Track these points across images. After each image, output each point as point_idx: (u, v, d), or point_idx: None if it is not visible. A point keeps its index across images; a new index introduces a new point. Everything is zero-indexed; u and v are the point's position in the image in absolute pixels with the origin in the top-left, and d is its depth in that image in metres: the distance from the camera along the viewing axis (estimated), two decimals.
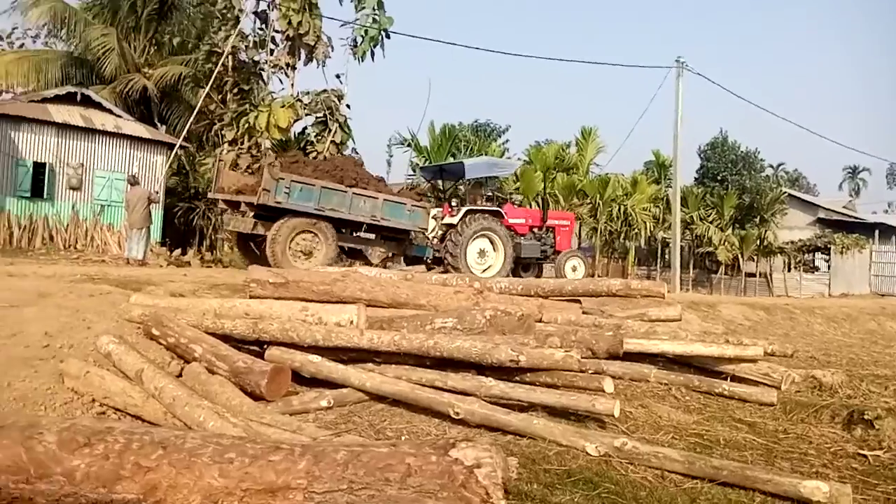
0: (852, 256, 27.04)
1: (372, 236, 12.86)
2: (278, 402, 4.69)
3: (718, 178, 32.41)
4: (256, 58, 19.37)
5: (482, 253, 13.60)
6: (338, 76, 18.70)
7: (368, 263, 12.44)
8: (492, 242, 13.63)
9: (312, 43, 18.19)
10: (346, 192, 11.84)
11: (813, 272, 27.34)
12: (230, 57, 17.94)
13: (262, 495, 2.62)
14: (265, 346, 5.43)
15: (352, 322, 5.52)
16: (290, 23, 17.85)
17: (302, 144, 18.31)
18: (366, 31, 18.18)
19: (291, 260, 11.12)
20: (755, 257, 28.77)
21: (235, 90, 18.62)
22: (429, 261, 14.03)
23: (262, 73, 19.40)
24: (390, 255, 13.10)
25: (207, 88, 17.14)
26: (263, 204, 11.22)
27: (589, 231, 25.90)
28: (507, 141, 41.54)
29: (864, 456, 4.50)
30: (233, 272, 11.78)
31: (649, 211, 26.38)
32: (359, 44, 18.32)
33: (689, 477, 3.77)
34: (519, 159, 24.96)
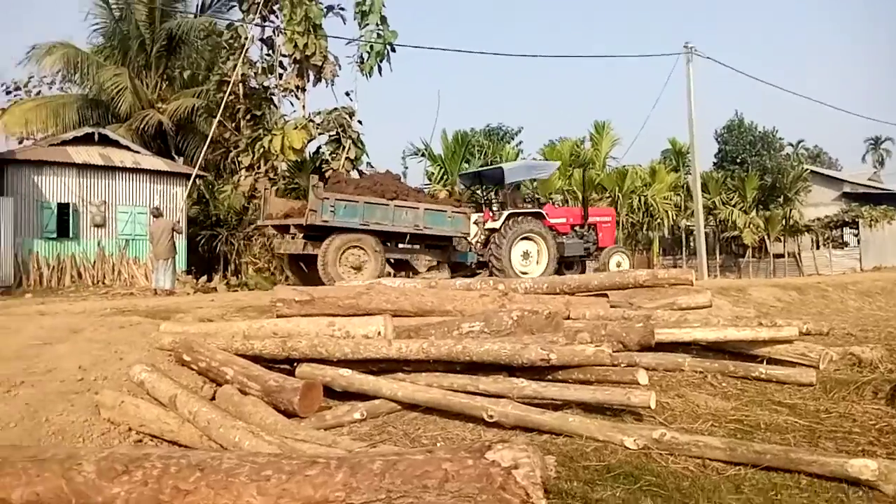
0: (882, 228, 26.53)
1: (416, 246, 13.19)
2: (312, 417, 4.70)
3: (738, 160, 32.03)
4: (266, 83, 19.73)
5: (526, 255, 13.78)
6: (347, 94, 18.95)
7: (416, 273, 12.94)
8: (535, 244, 13.83)
9: (320, 63, 18.46)
10: (388, 205, 12.21)
11: (842, 248, 26.89)
12: (240, 85, 18.27)
13: None
14: (295, 364, 5.47)
15: (379, 333, 5.54)
16: (296, 46, 18.15)
17: (318, 163, 18.53)
18: (371, 47, 18.39)
19: (343, 275, 11.41)
20: (782, 238, 28.35)
21: (248, 116, 18.94)
22: (473, 265, 14.19)
23: (273, 97, 19.73)
24: (436, 262, 13.34)
25: (219, 117, 17.45)
26: (312, 224, 11.63)
27: None
28: (520, 143, 41.50)
29: None
30: (259, 294, 11.89)
31: (670, 200, 26.15)
32: (365, 60, 18.55)
33: (732, 464, 3.69)
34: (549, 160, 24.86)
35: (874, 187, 36.04)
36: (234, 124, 19.00)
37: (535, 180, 16.85)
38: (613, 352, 5.20)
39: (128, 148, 19.09)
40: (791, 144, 49.07)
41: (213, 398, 4.97)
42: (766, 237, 27.61)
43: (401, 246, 13.02)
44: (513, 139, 42.22)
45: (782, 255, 28.12)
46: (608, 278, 7.25)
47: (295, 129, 17.30)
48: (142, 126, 20.91)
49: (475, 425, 4.63)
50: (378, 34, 18.25)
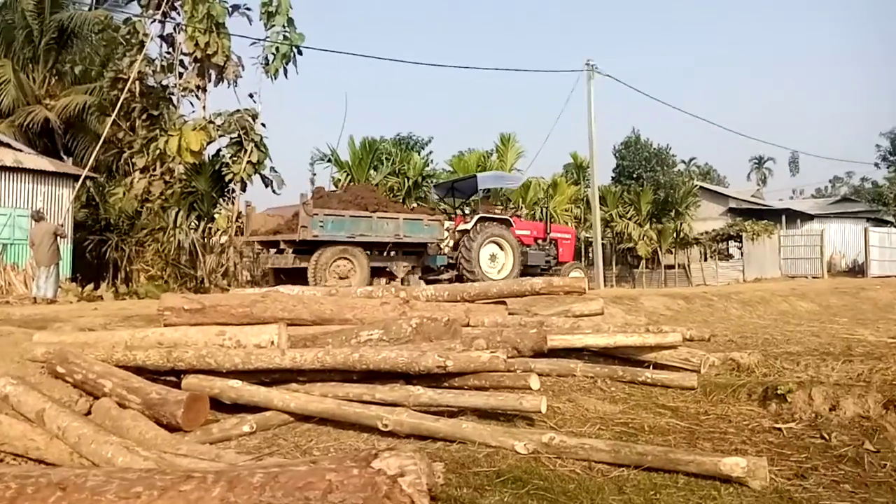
0: (763, 242, 28.50)
1: (394, 253, 14.06)
2: (197, 431, 4.49)
3: (634, 175, 33.58)
4: (165, 82, 18.88)
5: (493, 258, 14.72)
6: (251, 95, 18.42)
7: (394, 279, 13.80)
8: (501, 248, 14.80)
9: (222, 63, 17.87)
10: (371, 217, 13.21)
11: (727, 260, 28.67)
12: (137, 83, 17.38)
13: None
14: (182, 376, 5.21)
15: (273, 343, 5.37)
16: (197, 44, 17.49)
17: (217, 167, 17.88)
18: (277, 49, 17.96)
19: (331, 283, 11.90)
20: (673, 250, 29.92)
21: (144, 116, 18.03)
22: (442, 268, 15.05)
23: (172, 96, 18.89)
24: (412, 267, 14.24)
25: (114, 116, 16.56)
26: (303, 239, 12.35)
27: None
28: (430, 153, 41.79)
29: (779, 429, 4.69)
30: (149, 303, 11.32)
31: (570, 211, 27.04)
32: (270, 62, 18.11)
33: (616, 465, 3.82)
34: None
35: (757, 203, 38.74)
36: (128, 124, 18.06)
37: (548, 193, 18.52)
38: (509, 358, 5.29)
39: (9, 146, 17.72)
40: (684, 161, 52.08)
41: (88, 413, 4.66)
42: (658, 249, 29.06)
43: (382, 255, 13.81)
44: (423, 149, 42.56)
45: (673, 267, 29.68)
46: (507, 286, 7.37)
47: (194, 130, 16.65)
48: (26, 123, 19.51)
49: (370, 435, 4.57)
50: (284, 36, 17.87)
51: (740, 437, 4.58)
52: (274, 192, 18.40)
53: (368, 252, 13.27)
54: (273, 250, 13.65)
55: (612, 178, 35.20)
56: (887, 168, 50.27)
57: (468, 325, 6.59)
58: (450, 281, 14.41)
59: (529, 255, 15.51)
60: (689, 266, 29.44)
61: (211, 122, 17.40)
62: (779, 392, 5.12)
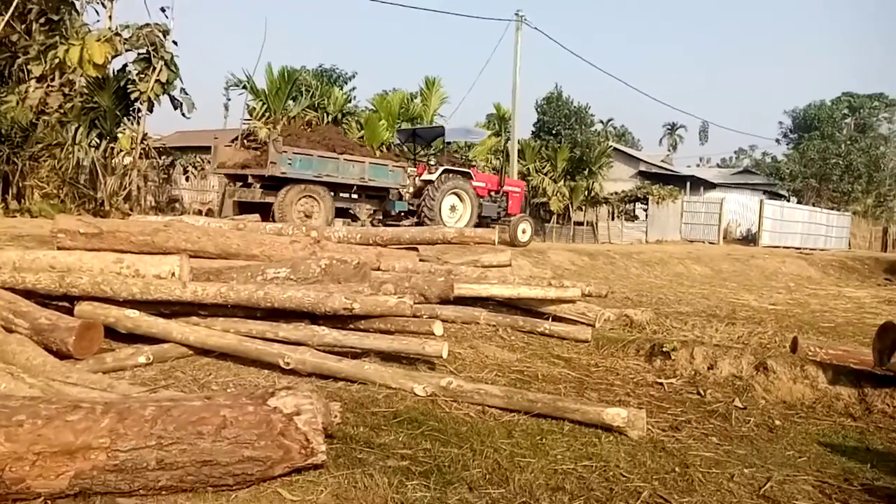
0: (667, 206, 29.79)
1: (357, 196, 14.55)
2: (89, 360, 4.35)
3: (553, 131, 34.01)
4: None
5: (453, 209, 15.29)
6: (162, 10, 17.19)
7: (356, 220, 14.20)
8: (461, 200, 15.40)
9: None
10: (338, 158, 13.74)
11: (633, 221, 29.82)
12: None
13: (59, 457, 2.43)
14: (75, 302, 4.99)
15: (174, 274, 5.22)
16: None
17: (123, 83, 16.75)
18: None
19: (297, 223, 12.05)
20: (583, 207, 30.80)
21: (42, 20, 16.51)
22: (402, 214, 15.47)
23: (75, 2, 17.36)
24: (373, 211, 14.82)
25: (8, 16, 15.09)
26: (272, 175, 12.73)
27: None
28: (354, 89, 40.65)
29: (661, 384, 5.04)
30: (42, 223, 10.67)
31: (489, 162, 27.21)
32: None
33: (508, 410, 4.01)
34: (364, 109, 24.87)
35: (665, 168, 40.33)
36: (24, 26, 16.50)
37: (467, 144, 18.86)
38: (416, 304, 5.38)
39: None
40: (602, 122, 53.14)
41: None
42: (570, 205, 29.85)
43: (346, 196, 14.29)
44: (346, 83, 41.29)
45: (582, 223, 30.64)
46: (419, 233, 7.43)
47: (98, 41, 15.43)
48: None
49: (271, 372, 4.56)
50: None
51: (625, 389, 4.90)
52: (184, 115, 17.47)
53: (333, 193, 13.71)
54: (240, 184, 13.78)
55: (532, 133, 35.56)
56: (787, 145, 53.39)
57: (379, 269, 6.63)
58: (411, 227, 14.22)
59: (484, 207, 16.09)
60: (596, 224, 30.49)
61: (117, 34, 16.17)
62: (664, 350, 5.47)
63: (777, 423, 4.28)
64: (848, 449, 3.90)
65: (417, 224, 14.50)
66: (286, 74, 19.42)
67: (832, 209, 39.25)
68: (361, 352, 4.88)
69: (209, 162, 23.90)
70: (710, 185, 40.06)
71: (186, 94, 17.62)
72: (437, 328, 4.90)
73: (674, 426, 4.08)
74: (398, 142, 19.17)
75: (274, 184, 13.04)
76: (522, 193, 18.64)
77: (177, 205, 21.65)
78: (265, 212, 12.68)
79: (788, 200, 39.50)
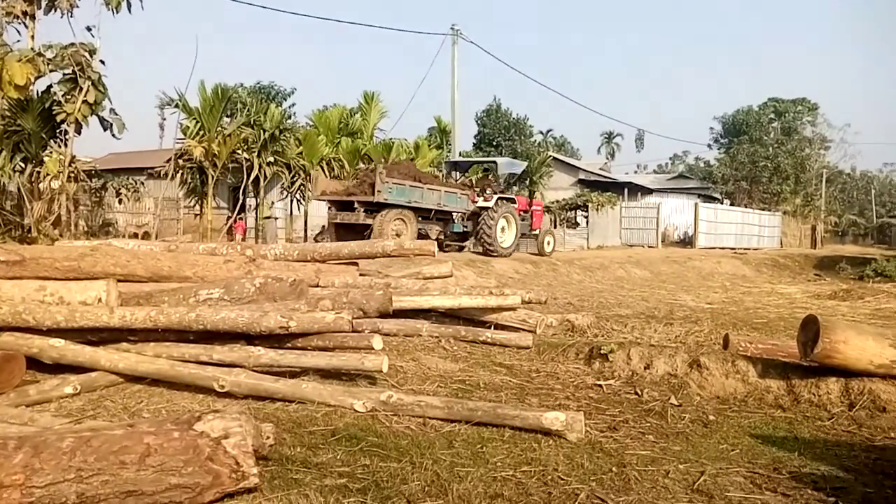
0: (606, 213, 30.41)
1: (431, 218, 16.97)
2: (10, 393, 4.15)
3: (494, 143, 34.47)
4: None
5: (503, 229, 17.64)
6: (88, 29, 16.66)
7: (428, 238, 15.87)
8: (508, 222, 17.82)
9: None
10: (422, 187, 16.26)
11: (574, 228, 30.29)
12: None
13: None
14: None
15: (100, 300, 5.03)
16: None
17: (48, 105, 16.14)
18: None
19: (388, 239, 13.58)
20: None
21: None
22: (461, 234, 18.04)
23: None
24: (439, 231, 17.12)
25: None
26: (377, 201, 15.10)
27: None
28: (293, 105, 40.29)
29: (600, 385, 5.12)
30: None
31: (433, 174, 27.31)
32: None
33: (449, 421, 4.00)
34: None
35: (604, 176, 41.21)
36: None
37: (513, 175, 21.04)
38: (356, 318, 5.32)
39: None
40: (541, 132, 54.11)
41: None
42: None
43: (426, 219, 16.72)
44: (285, 100, 40.83)
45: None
46: (358, 247, 7.36)
47: (19, 61, 14.82)
48: None
49: (206, 396, 4.45)
50: None
51: (565, 392, 4.95)
52: (114, 135, 16.85)
53: (417, 216, 16.20)
54: (335, 209, 16.26)
55: (474, 145, 35.96)
56: (718, 149, 55.29)
57: (318, 286, 6.54)
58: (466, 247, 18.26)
59: (520, 226, 18.40)
60: None
61: (40, 54, 15.55)
62: (602, 352, 5.56)
63: (711, 418, 4.40)
64: (778, 439, 4.04)
65: (478, 243, 17.52)
66: (220, 92, 19.05)
67: (763, 210, 40.82)
68: (300, 370, 4.81)
69: (143, 184, 23.28)
70: (648, 191, 41.14)
71: (116, 114, 17.05)
72: (377, 342, 4.86)
73: (612, 426, 4.14)
74: (445, 171, 22.21)
75: (374, 208, 15.35)
76: (542, 210, 21.41)
77: (111, 229, 20.96)
78: (361, 232, 15.06)
79: (722, 203, 40.89)
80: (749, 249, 31.75)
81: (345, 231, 15.59)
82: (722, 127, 56.06)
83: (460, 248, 18.27)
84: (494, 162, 20.58)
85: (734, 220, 34.89)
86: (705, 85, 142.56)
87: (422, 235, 16.30)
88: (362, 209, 15.44)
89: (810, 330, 4.62)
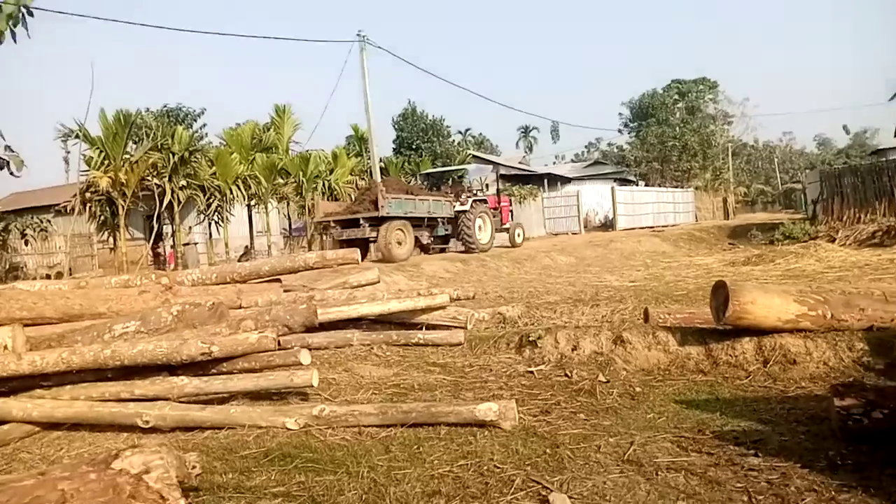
0: (529, 205, 30.98)
1: (422, 225, 18.48)
2: None
3: (413, 146, 34.52)
4: None
5: (480, 227, 19.58)
6: None
7: (420, 243, 18.44)
8: (483, 221, 19.80)
9: None
10: (414, 198, 18.00)
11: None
12: None
13: None
14: None
15: (6, 347, 4.75)
16: None
17: None
18: (0, 9, 15.50)
19: (393, 248, 16.39)
20: None
21: None
22: (444, 237, 19.75)
23: None
24: (427, 235, 18.77)
25: None
26: (381, 216, 16.49)
27: (298, 209, 25.78)
28: (204, 125, 39.20)
29: (531, 372, 5.21)
30: None
31: (354, 184, 27.12)
32: None
33: (385, 426, 3.97)
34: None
35: (523, 169, 41.98)
36: None
37: (461, 177, 22.96)
38: (282, 336, 5.23)
39: None
40: (460, 132, 54.57)
41: None
42: None
43: (419, 226, 18.16)
44: (195, 121, 39.64)
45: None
46: (279, 263, 7.23)
47: None
48: None
49: (130, 434, 4.27)
50: None
51: (498, 383, 5.01)
52: (12, 174, 15.97)
53: (413, 224, 17.57)
54: (340, 227, 17.42)
55: (394, 150, 35.89)
56: (629, 134, 57.23)
57: (240, 307, 6.39)
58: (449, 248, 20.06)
59: (493, 222, 20.38)
60: None
61: None
62: (531, 339, 5.66)
63: (637, 389, 4.55)
64: (701, 402, 4.21)
65: (460, 243, 19.32)
66: (122, 118, 18.31)
67: (676, 187, 42.54)
68: (229, 395, 4.69)
69: (50, 222, 22.15)
70: (567, 180, 42.21)
71: (12, 151, 16.17)
72: (304, 357, 4.78)
73: (544, 410, 4.22)
74: (420, 182, 24.00)
75: (377, 222, 16.62)
76: (509, 206, 23.31)
77: (19, 272, 19.85)
78: (364, 247, 16.71)
79: (637, 185, 42.36)
80: (667, 226, 33.01)
81: (348, 246, 16.70)
82: (630, 111, 58.05)
83: (442, 250, 19.90)
84: (465, 169, 23.60)
85: (650, 200, 36.19)
86: (612, 71, 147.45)
87: (416, 242, 18.26)
88: (367, 224, 16.82)
89: (721, 295, 4.84)
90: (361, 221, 16.99)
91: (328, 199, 21.19)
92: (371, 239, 16.97)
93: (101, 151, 18.17)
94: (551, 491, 2.91)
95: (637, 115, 56.76)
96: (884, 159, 24.62)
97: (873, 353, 4.60)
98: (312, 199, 22.67)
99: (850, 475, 2.90)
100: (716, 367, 4.87)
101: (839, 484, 2.81)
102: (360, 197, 18.41)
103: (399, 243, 16.87)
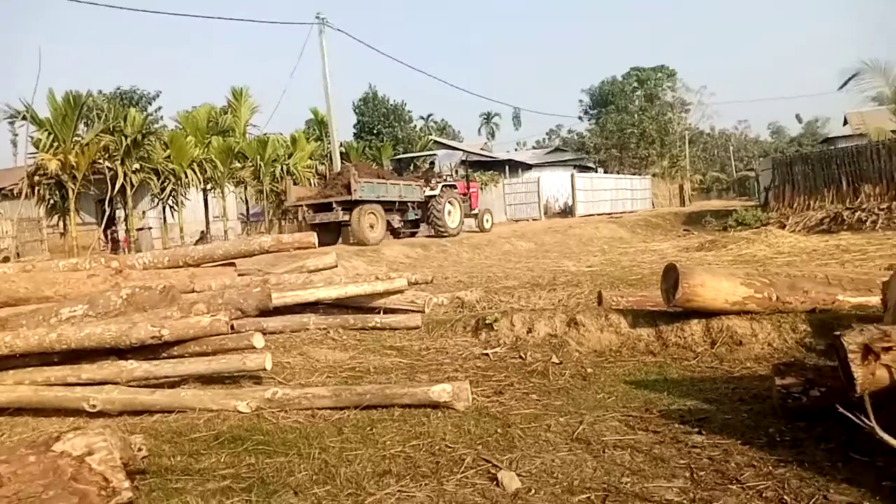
0: (490, 191, 31.10)
1: (394, 209, 18.64)
2: None
3: (374, 131, 34.25)
4: None
5: (450, 212, 19.78)
6: None
7: (392, 227, 18.59)
8: (452, 205, 20.01)
9: None
10: (385, 182, 18.27)
11: None
12: None
13: None
14: None
15: None
16: None
17: None
18: None
19: (366, 232, 16.62)
20: None
21: None
22: (414, 222, 19.91)
23: None
24: (398, 219, 18.94)
25: None
26: (351, 199, 16.70)
27: (255, 194, 25.38)
28: (159, 108, 38.20)
29: (487, 354, 5.26)
30: None
31: (314, 168, 26.80)
32: None
33: (339, 409, 3.97)
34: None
35: (485, 155, 42.04)
36: None
37: (431, 163, 23.44)
38: (235, 319, 5.16)
39: None
40: (422, 118, 54.37)
41: None
42: None
43: (391, 210, 18.35)
44: (150, 104, 38.58)
45: None
46: (233, 246, 7.12)
47: None
48: None
49: (76, 419, 4.19)
50: None
51: (454, 365, 5.05)
52: None
53: (384, 208, 17.74)
54: (313, 211, 17.61)
55: (354, 134, 35.54)
56: (588, 121, 57.71)
57: (193, 291, 6.28)
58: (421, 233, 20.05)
59: (462, 207, 20.61)
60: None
61: None
62: (487, 322, 5.71)
63: (589, 370, 4.63)
64: (649, 382, 4.31)
65: (431, 228, 19.41)
66: (72, 100, 17.70)
67: (634, 174, 43.17)
68: (180, 379, 4.62)
69: None
70: (528, 167, 42.41)
71: None
72: (258, 341, 4.73)
73: (497, 391, 4.27)
74: (391, 168, 24.64)
75: (350, 206, 16.82)
76: (478, 192, 23.87)
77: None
78: (337, 231, 17.63)
79: (596, 171, 42.85)
80: (624, 213, 33.52)
81: (321, 230, 16.43)
82: (590, 98, 58.43)
83: (412, 234, 19.88)
84: (435, 154, 24.46)
85: (608, 187, 36.67)
86: (571, 58, 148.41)
87: (387, 225, 18.60)
88: (340, 208, 17.04)
89: (671, 278, 4.95)
90: (334, 205, 17.18)
91: (288, 184, 20.96)
92: (343, 223, 17.23)
93: (49, 133, 17.57)
94: (500, 469, 2.95)
95: (597, 101, 57.20)
96: (833, 147, 25.33)
97: (815, 334, 4.75)
98: (271, 184, 22.73)
99: (788, 451, 3.00)
100: (665, 349, 4.98)
101: (777, 459, 2.91)
102: (333, 181, 18.64)
103: (371, 227, 17.03)
